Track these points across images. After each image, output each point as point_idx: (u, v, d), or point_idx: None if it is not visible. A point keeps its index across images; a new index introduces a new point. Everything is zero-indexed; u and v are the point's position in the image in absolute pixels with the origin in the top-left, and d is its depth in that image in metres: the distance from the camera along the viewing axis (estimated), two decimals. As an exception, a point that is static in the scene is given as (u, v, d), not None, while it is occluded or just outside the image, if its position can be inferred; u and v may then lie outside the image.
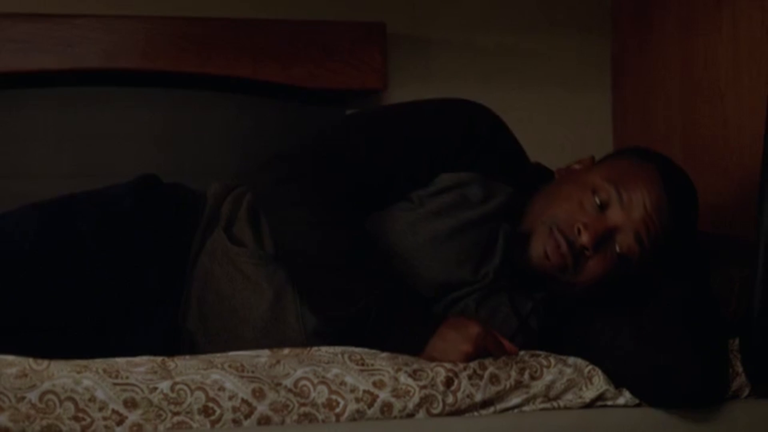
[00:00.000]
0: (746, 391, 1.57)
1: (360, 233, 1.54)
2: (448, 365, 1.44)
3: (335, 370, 1.41)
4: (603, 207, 1.57)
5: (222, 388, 1.36)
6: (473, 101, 1.69)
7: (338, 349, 1.46)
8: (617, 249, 1.56)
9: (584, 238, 1.54)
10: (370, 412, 1.40)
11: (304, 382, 1.39)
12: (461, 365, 1.44)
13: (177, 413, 1.34)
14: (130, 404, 1.32)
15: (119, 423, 1.32)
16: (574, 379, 1.50)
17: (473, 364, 1.45)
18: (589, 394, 1.50)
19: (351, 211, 1.55)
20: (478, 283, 1.59)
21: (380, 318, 1.47)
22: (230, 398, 1.36)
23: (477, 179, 1.61)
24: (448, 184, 1.60)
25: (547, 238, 1.56)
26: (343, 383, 1.40)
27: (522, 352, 1.52)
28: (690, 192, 1.63)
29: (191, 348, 1.56)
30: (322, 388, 1.39)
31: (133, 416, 1.32)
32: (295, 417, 1.38)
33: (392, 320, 1.47)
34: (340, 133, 1.64)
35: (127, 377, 1.34)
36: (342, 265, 1.50)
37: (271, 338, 1.54)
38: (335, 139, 1.62)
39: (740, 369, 1.56)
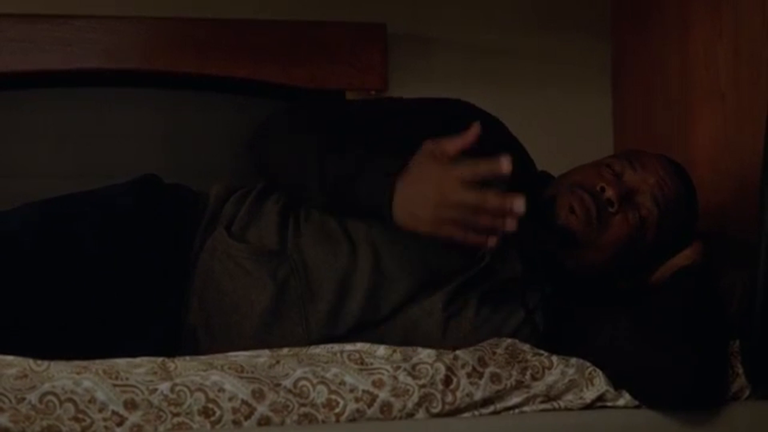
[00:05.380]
0: (746, 393, 1.57)
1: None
2: (447, 362, 1.44)
3: (334, 370, 1.41)
4: (619, 176, 1.67)
5: (222, 389, 1.36)
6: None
7: (336, 347, 1.46)
8: (637, 212, 1.65)
9: (608, 193, 1.64)
10: (369, 411, 1.40)
11: (303, 382, 1.39)
12: (459, 362, 1.44)
13: (177, 414, 1.34)
14: (130, 405, 1.32)
15: (119, 424, 1.32)
16: (576, 379, 1.50)
17: (472, 362, 1.45)
18: (589, 395, 1.50)
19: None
20: (475, 267, 1.59)
21: (357, 173, 1.50)
22: (230, 399, 1.36)
23: None
24: None
25: (572, 196, 1.64)
26: (342, 383, 1.40)
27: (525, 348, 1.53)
28: (689, 178, 1.74)
29: (194, 345, 1.56)
30: (322, 388, 1.39)
31: (133, 417, 1.32)
32: (295, 417, 1.38)
33: (363, 172, 1.50)
34: (334, 104, 1.79)
35: (126, 378, 1.34)
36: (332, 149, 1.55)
37: (273, 334, 1.54)
38: (331, 106, 1.74)
39: (740, 370, 1.56)
